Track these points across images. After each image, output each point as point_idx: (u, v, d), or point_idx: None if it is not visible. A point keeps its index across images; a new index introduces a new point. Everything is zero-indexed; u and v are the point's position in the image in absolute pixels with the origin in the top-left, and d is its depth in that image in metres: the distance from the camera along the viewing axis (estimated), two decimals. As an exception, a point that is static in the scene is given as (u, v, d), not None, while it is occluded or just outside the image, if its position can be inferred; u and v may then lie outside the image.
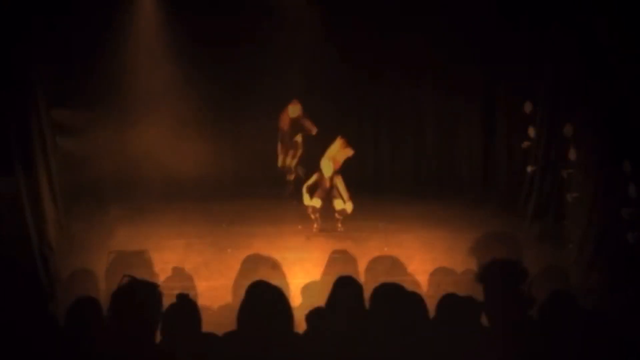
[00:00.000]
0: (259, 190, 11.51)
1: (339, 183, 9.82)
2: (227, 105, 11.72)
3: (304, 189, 9.97)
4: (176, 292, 3.96)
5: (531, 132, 10.04)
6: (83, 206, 10.54)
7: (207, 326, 3.97)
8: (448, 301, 4.15)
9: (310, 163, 10.53)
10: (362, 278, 4.20)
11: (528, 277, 3.24)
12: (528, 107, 10.01)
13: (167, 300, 3.59)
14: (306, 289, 8.04)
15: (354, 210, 10.13)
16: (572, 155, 9.03)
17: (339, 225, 9.99)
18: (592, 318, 3.72)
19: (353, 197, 10.07)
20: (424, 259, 9.16)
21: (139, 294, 3.21)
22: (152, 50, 11.12)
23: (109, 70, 10.79)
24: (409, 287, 3.73)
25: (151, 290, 3.25)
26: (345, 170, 10.21)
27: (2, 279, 6.71)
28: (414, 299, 3.64)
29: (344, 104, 11.88)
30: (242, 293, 3.44)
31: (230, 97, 11.60)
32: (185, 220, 10.75)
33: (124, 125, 11.14)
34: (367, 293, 3.84)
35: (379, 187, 11.88)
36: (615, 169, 7.89)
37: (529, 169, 10.15)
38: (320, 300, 4.26)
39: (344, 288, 4.15)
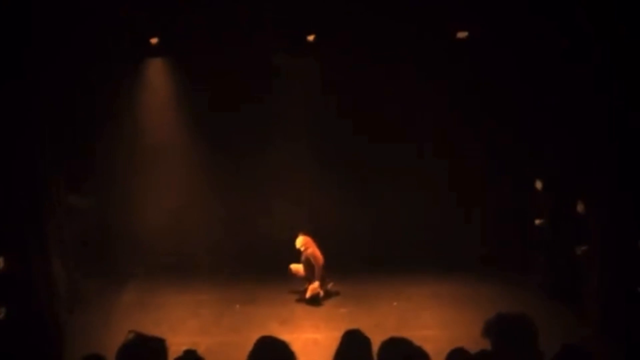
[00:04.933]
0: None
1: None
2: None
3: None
4: (184, 348, 3.94)
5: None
6: (92, 263, 10.55)
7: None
8: (457, 356, 4.11)
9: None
10: (370, 333, 4.14)
11: (535, 330, 3.21)
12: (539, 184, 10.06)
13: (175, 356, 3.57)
14: (315, 344, 7.98)
15: (363, 267, 10.28)
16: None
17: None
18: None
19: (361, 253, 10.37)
20: (433, 313, 9.08)
21: (144, 349, 3.20)
22: (162, 112, 11.19)
23: (118, 132, 10.84)
24: (418, 342, 3.69)
25: (157, 345, 3.24)
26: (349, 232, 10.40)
27: (11, 333, 6.71)
28: (422, 354, 3.61)
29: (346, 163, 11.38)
30: (249, 349, 3.41)
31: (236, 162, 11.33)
32: (195, 278, 10.75)
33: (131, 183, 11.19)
34: (375, 347, 3.81)
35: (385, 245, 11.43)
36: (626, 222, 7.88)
37: (537, 222, 10.10)
38: (329, 355, 4.23)
39: (352, 342, 4.11)
